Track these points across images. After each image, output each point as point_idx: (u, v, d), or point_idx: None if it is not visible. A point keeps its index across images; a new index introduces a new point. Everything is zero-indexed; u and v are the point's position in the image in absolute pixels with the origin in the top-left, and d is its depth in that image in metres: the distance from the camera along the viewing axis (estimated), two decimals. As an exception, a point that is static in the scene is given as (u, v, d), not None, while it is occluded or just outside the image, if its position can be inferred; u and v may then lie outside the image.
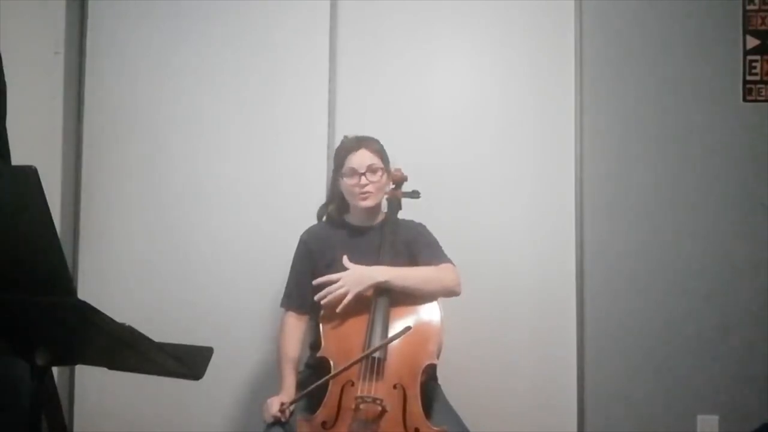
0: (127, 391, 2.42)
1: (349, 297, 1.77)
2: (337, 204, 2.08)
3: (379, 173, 1.95)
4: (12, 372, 1.33)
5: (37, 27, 2.42)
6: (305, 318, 1.96)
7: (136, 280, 2.48)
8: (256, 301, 2.40)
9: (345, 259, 1.84)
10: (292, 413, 1.76)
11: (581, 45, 2.45)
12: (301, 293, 1.96)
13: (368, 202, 1.95)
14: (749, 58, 2.42)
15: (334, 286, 1.79)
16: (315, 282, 1.85)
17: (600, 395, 2.39)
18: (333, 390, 1.70)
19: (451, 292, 1.86)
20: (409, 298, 1.83)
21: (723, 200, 2.41)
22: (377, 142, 2.02)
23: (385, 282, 1.79)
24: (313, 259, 1.99)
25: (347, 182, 1.96)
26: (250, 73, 2.50)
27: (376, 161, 1.95)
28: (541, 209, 2.43)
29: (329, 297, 1.79)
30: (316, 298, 1.83)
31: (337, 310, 1.77)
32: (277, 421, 1.74)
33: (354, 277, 1.80)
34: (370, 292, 1.82)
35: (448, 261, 1.91)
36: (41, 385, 1.11)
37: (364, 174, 1.93)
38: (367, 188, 1.93)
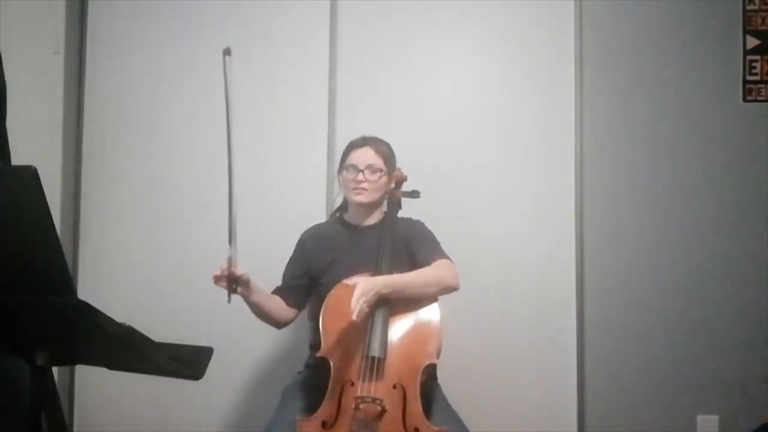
0: (127, 391, 2.42)
1: (363, 308, 1.67)
2: (340, 204, 2.10)
3: (378, 174, 1.95)
4: (12, 372, 1.33)
5: (37, 27, 2.42)
6: (291, 310, 1.97)
7: (136, 280, 2.49)
8: (256, 301, 2.40)
9: (353, 279, 1.75)
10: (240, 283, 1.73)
11: (581, 45, 2.45)
12: (292, 290, 1.98)
13: (361, 198, 1.95)
14: (749, 58, 2.42)
15: (354, 300, 1.66)
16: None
17: (600, 395, 2.39)
18: (333, 390, 1.70)
19: (450, 289, 1.85)
20: (409, 303, 1.82)
21: (723, 200, 2.41)
22: (386, 145, 2.02)
23: (389, 294, 1.76)
24: (311, 259, 2.00)
25: (345, 176, 1.98)
26: (250, 72, 2.50)
27: (378, 162, 1.95)
28: (541, 209, 2.43)
29: (356, 311, 1.65)
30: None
31: (354, 318, 1.66)
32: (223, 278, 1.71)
33: (365, 287, 1.70)
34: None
35: (445, 257, 1.90)
36: (41, 385, 1.11)
37: (362, 171, 1.94)
38: (362, 184, 1.94)
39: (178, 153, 2.52)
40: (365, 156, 1.96)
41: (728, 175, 2.41)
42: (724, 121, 2.42)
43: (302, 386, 1.92)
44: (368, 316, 1.76)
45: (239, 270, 1.73)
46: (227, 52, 1.65)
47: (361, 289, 1.68)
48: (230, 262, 1.70)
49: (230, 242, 1.70)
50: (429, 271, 1.85)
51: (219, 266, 1.72)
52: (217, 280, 1.73)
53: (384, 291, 1.74)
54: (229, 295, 1.73)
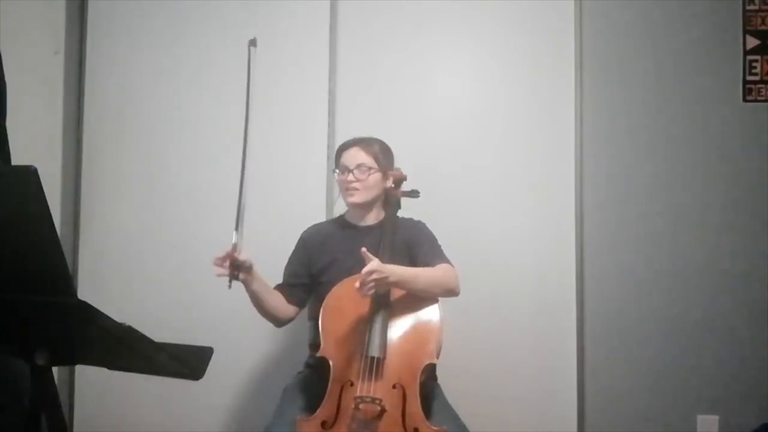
0: (127, 391, 2.42)
1: (370, 284, 1.65)
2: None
3: (368, 173, 1.94)
4: (12, 372, 1.33)
5: (37, 27, 2.43)
6: (292, 307, 1.97)
7: (136, 280, 2.49)
8: (256, 301, 2.40)
9: (364, 251, 1.70)
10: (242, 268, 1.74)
11: (581, 45, 2.45)
12: (293, 288, 1.98)
13: (354, 198, 1.96)
14: (749, 58, 2.42)
15: (369, 268, 1.65)
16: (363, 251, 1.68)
17: (600, 395, 2.38)
18: (332, 390, 1.70)
19: (451, 293, 1.86)
20: (409, 303, 1.82)
21: (723, 200, 2.40)
22: (379, 143, 2.01)
23: (395, 283, 1.76)
24: (311, 257, 2.00)
25: (338, 178, 1.99)
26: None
27: (367, 161, 1.95)
28: (541, 210, 2.43)
29: (364, 278, 1.65)
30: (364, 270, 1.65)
31: (359, 292, 1.66)
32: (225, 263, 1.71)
33: (379, 265, 1.68)
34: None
35: (447, 261, 1.91)
36: (41, 385, 1.11)
37: (352, 171, 1.94)
38: (353, 185, 1.94)
39: (178, 152, 2.52)
40: (355, 156, 1.96)
41: (728, 175, 2.41)
42: (724, 121, 2.42)
43: (302, 386, 1.92)
44: (368, 316, 1.77)
45: (242, 255, 1.73)
46: (253, 43, 1.65)
47: (374, 265, 1.65)
48: (234, 247, 1.71)
49: (236, 228, 1.72)
50: (435, 272, 1.85)
51: (223, 250, 1.72)
52: (218, 263, 1.71)
53: (392, 279, 1.71)
54: (229, 281, 1.73)
